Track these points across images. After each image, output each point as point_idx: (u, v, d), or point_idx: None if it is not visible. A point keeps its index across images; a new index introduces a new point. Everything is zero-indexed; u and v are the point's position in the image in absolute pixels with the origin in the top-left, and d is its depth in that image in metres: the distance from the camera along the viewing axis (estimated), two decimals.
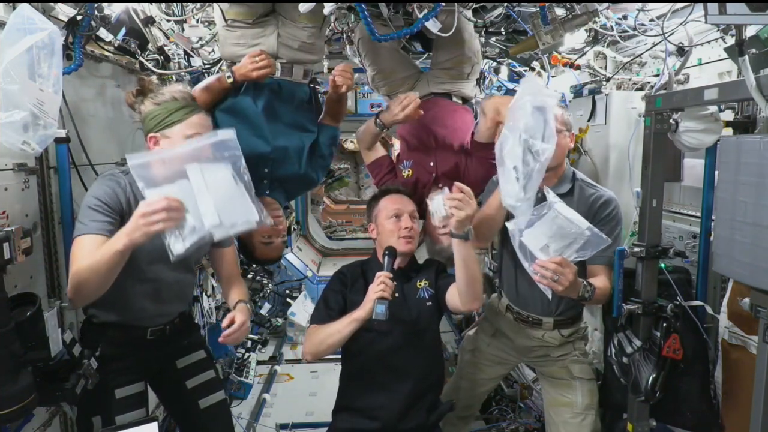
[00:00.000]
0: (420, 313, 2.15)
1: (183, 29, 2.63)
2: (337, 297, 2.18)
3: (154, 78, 1.96)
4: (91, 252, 1.53)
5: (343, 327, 1.97)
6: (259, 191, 2.30)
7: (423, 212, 2.35)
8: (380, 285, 1.91)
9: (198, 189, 1.51)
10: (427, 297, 2.19)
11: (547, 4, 2.04)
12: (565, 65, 2.91)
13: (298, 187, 2.48)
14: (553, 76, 3.30)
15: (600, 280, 1.99)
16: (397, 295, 2.14)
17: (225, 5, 2.14)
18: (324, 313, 2.11)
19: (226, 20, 2.16)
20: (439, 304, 2.19)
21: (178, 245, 1.48)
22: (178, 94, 1.80)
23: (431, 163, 2.47)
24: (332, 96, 2.27)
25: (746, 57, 1.38)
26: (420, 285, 2.22)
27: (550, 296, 1.87)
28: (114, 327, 1.81)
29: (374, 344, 2.11)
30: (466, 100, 2.63)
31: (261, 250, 2.26)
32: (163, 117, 1.74)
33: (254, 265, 4.27)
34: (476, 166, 2.41)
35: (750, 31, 1.58)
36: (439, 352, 2.29)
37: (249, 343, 4.24)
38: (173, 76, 2.65)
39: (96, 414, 1.75)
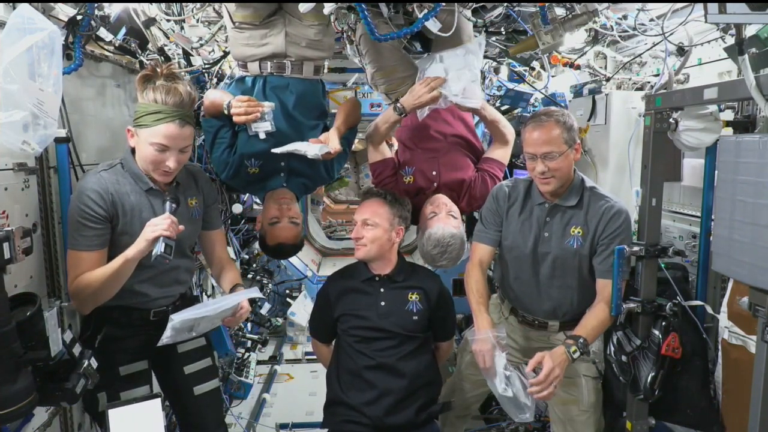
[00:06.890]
0: (405, 323, 2.18)
1: (183, 29, 2.63)
2: (323, 316, 2.31)
3: (173, 66, 1.95)
4: (89, 268, 1.70)
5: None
6: (275, 183, 2.39)
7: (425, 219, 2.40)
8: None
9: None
10: (414, 311, 2.20)
11: (547, 4, 2.03)
12: (565, 65, 2.91)
13: (314, 181, 2.53)
14: (553, 76, 3.30)
15: (604, 303, 2.00)
16: (383, 303, 2.19)
17: (232, 8, 2.14)
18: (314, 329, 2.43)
19: (234, 22, 2.18)
20: (428, 325, 2.25)
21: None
22: (160, 96, 1.76)
23: (434, 172, 2.50)
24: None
25: (746, 56, 1.39)
26: (411, 297, 2.22)
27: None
28: (118, 309, 1.88)
29: (365, 344, 2.17)
30: None
31: (270, 233, 2.32)
32: (138, 116, 1.79)
33: (253, 266, 4.29)
34: (482, 186, 2.47)
35: (750, 31, 1.58)
36: (432, 355, 2.31)
37: (249, 343, 4.23)
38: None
39: (101, 390, 1.82)
